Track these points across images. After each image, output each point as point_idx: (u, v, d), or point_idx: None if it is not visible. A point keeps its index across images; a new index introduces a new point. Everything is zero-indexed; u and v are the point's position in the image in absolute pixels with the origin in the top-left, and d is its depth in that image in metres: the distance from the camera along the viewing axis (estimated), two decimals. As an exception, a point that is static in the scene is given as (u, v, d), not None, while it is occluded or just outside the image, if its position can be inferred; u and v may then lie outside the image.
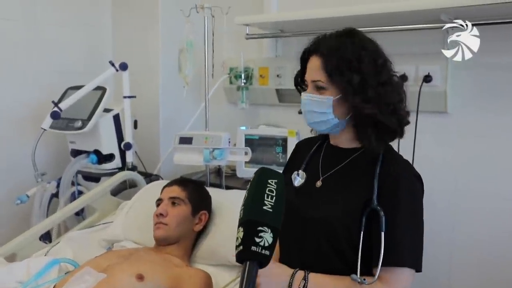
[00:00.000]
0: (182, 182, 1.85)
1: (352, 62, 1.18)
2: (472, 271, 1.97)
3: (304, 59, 1.28)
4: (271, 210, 0.84)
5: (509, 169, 1.88)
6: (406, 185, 1.19)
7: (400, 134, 1.26)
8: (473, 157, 1.95)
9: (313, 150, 1.37)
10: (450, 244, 2.02)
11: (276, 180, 0.88)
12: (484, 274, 1.95)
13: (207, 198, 1.86)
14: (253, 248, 0.81)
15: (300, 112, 1.35)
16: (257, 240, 0.81)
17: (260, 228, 0.82)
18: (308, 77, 1.25)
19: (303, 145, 1.45)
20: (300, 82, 1.33)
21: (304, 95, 1.25)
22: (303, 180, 1.30)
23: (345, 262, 1.18)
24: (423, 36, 1.95)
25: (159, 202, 1.78)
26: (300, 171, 1.32)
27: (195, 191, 1.81)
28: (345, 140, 1.29)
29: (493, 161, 1.91)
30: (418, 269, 1.18)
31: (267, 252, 0.81)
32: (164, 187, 1.84)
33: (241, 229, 0.84)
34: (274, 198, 0.85)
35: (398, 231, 1.15)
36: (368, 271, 1.16)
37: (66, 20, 2.72)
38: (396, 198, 1.17)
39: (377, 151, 1.22)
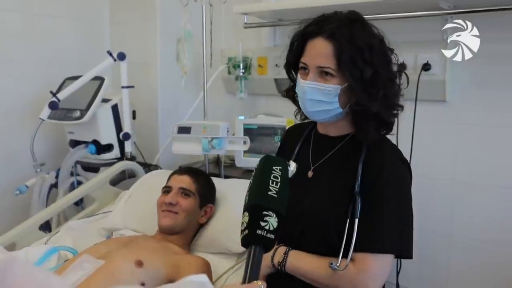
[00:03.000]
0: (193, 172, 1.81)
1: (364, 52, 1.14)
2: (471, 259, 1.98)
3: (302, 40, 1.23)
4: (276, 196, 0.84)
5: (508, 157, 1.88)
6: (389, 171, 1.19)
7: (391, 127, 1.26)
8: (472, 145, 1.95)
9: (303, 139, 1.37)
10: (449, 232, 2.02)
11: (280, 167, 0.88)
12: (482, 262, 1.95)
13: (214, 191, 1.85)
14: (259, 231, 0.80)
15: (286, 92, 1.34)
16: (263, 224, 0.81)
17: (265, 212, 0.82)
18: (313, 61, 1.18)
19: (292, 132, 1.44)
20: (293, 65, 1.27)
21: (305, 82, 1.19)
22: (295, 171, 1.30)
23: (333, 249, 1.18)
24: (422, 24, 1.94)
25: (168, 189, 1.75)
26: (291, 162, 1.31)
27: (204, 184, 1.80)
28: (335, 128, 1.29)
29: (492, 150, 1.91)
30: (403, 255, 1.19)
31: (272, 236, 0.81)
32: (173, 174, 1.81)
33: (246, 213, 0.83)
34: (279, 184, 0.85)
35: (379, 217, 1.16)
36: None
37: (64, 11, 2.71)
38: (379, 184, 1.17)
39: (371, 140, 1.22)
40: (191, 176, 1.77)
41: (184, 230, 1.72)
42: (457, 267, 2.02)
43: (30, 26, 2.58)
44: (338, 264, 1.14)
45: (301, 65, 1.22)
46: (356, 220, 1.14)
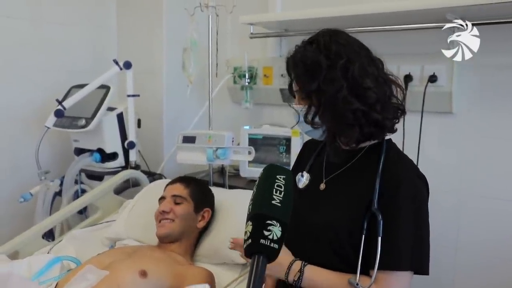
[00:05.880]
0: (184, 180, 1.85)
1: (308, 70, 1.18)
2: (477, 274, 1.96)
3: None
4: (279, 205, 0.82)
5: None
6: (407, 187, 1.17)
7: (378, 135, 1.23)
8: (479, 158, 1.93)
9: (318, 150, 1.36)
10: (455, 245, 2.00)
11: (284, 176, 0.87)
12: (488, 276, 1.93)
13: (210, 195, 1.86)
14: (262, 241, 0.79)
15: None
16: (266, 233, 0.79)
17: (269, 221, 0.80)
18: (295, 86, 1.25)
19: (309, 144, 1.44)
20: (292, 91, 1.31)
21: (293, 106, 1.26)
22: (307, 182, 1.30)
23: (347, 262, 1.18)
24: (429, 36, 1.93)
25: (161, 200, 1.78)
26: (305, 173, 1.31)
27: (197, 189, 1.81)
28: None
29: (499, 162, 1.89)
30: (420, 271, 1.17)
31: (275, 246, 0.80)
32: (167, 185, 1.85)
33: (249, 223, 0.82)
34: (283, 193, 0.84)
35: (397, 234, 1.14)
36: (368, 272, 1.16)
37: (71, 19, 2.73)
38: (396, 201, 1.15)
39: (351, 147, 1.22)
40: (182, 183, 1.81)
41: (183, 237, 1.72)
42: (463, 279, 1.99)
43: (38, 34, 2.60)
44: (358, 281, 1.13)
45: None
46: (379, 238, 1.12)
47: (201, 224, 1.77)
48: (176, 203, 1.74)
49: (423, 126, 1.91)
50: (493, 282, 1.92)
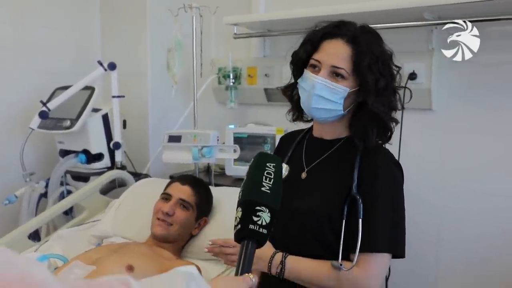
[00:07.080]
0: (195, 184, 1.79)
1: (378, 61, 1.20)
2: (459, 268, 1.99)
3: (319, 38, 1.25)
4: (269, 191, 0.86)
5: (495, 165, 1.91)
6: (384, 174, 1.22)
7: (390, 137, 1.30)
8: (458, 153, 1.98)
9: (296, 142, 1.39)
10: (437, 241, 2.04)
11: (274, 164, 0.90)
12: (471, 271, 1.97)
13: (211, 203, 1.84)
14: (251, 226, 0.82)
15: (285, 88, 1.35)
16: (255, 219, 0.83)
17: (258, 208, 0.83)
18: (328, 60, 1.21)
19: (286, 139, 1.47)
20: (302, 60, 1.27)
21: (316, 77, 1.21)
22: (287, 173, 1.31)
23: (328, 249, 1.21)
24: (408, 34, 1.98)
25: (166, 197, 1.73)
26: (284, 164, 1.33)
27: (204, 197, 1.78)
28: (331, 131, 1.31)
29: (478, 157, 1.94)
30: (397, 254, 1.22)
31: (264, 231, 0.83)
32: (174, 181, 1.80)
33: (239, 209, 0.85)
34: (272, 180, 0.87)
35: (375, 218, 1.19)
36: (348, 257, 1.20)
37: (55, 21, 2.73)
38: (374, 187, 1.21)
39: (370, 145, 1.24)
40: (193, 188, 1.75)
41: (176, 240, 1.73)
42: (445, 274, 2.03)
43: (21, 37, 2.59)
44: (340, 263, 1.16)
45: (312, 62, 1.24)
46: (360, 220, 1.16)
47: (195, 232, 1.77)
48: (182, 208, 1.71)
49: (403, 123, 1.95)
50: (476, 278, 1.95)
